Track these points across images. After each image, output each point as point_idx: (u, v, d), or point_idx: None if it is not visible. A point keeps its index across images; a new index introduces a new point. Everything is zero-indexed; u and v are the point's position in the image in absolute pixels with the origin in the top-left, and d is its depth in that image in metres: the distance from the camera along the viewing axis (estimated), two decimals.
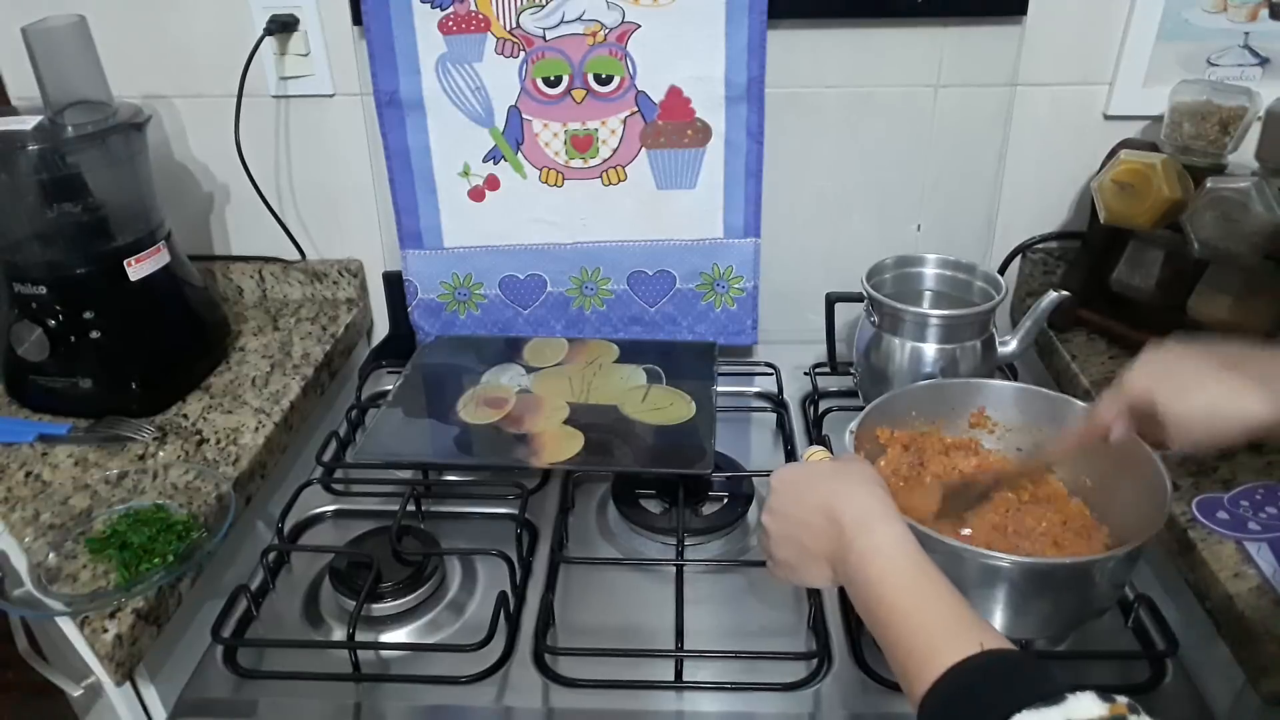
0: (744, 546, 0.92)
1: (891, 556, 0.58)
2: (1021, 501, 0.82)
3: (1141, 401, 0.67)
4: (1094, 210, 1.03)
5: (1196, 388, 0.65)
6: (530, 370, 1.11)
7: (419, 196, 1.12)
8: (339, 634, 0.81)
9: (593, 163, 1.09)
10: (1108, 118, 1.08)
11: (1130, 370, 0.69)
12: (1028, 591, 0.71)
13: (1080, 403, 0.85)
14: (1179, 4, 1.01)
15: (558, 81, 1.05)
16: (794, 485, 0.66)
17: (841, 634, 0.80)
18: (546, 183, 1.11)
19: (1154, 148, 1.00)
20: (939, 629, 0.52)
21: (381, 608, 0.82)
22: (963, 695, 0.48)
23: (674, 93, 1.05)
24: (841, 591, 0.84)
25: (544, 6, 1.02)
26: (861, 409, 0.86)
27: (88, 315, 0.96)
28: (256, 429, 0.97)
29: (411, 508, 0.93)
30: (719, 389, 1.07)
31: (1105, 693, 0.43)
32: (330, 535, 0.96)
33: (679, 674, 0.76)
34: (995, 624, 0.71)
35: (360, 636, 0.78)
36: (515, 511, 0.91)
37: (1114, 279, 1.05)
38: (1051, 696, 0.43)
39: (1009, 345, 1.01)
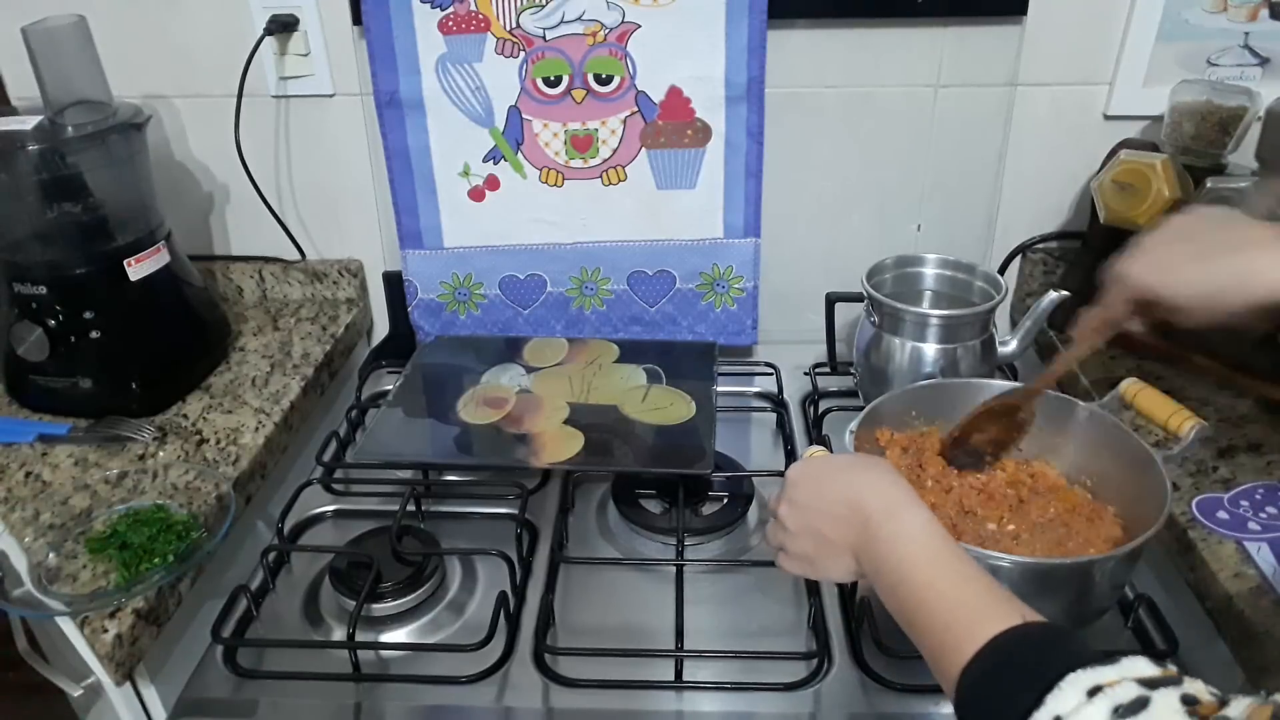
0: (744, 546, 0.92)
1: (921, 540, 0.58)
2: (1021, 497, 0.82)
3: (1140, 297, 0.67)
4: (1094, 210, 1.03)
5: (1197, 268, 0.63)
6: (530, 370, 1.11)
7: (419, 196, 1.12)
8: (339, 634, 0.81)
9: (593, 163, 1.09)
10: (1108, 118, 1.08)
11: (1121, 264, 0.68)
12: (1028, 591, 0.69)
13: (1081, 403, 0.85)
14: (1179, 4, 1.01)
15: (558, 81, 1.05)
16: (813, 478, 0.66)
17: (841, 634, 0.80)
18: (546, 183, 1.11)
19: (1154, 148, 1.00)
20: (978, 603, 0.52)
21: (381, 608, 0.82)
22: (1011, 661, 0.48)
23: (674, 93, 1.05)
24: (841, 591, 0.84)
25: (544, 6, 1.02)
26: (861, 409, 0.86)
27: (88, 315, 0.96)
28: (256, 429, 0.97)
29: (411, 508, 0.93)
30: (719, 389, 1.07)
31: (1156, 658, 0.44)
32: (330, 535, 0.96)
33: (679, 674, 0.76)
34: None
35: (360, 636, 0.78)
36: (515, 511, 0.91)
37: None
38: (1106, 658, 0.44)
39: (1009, 345, 1.01)
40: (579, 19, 1.02)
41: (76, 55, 0.95)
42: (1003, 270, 1.16)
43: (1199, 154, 0.98)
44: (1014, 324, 1.03)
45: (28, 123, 0.93)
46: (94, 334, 0.96)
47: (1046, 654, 0.46)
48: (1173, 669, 0.43)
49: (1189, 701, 0.41)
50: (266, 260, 1.23)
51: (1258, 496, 0.80)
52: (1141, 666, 0.43)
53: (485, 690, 0.77)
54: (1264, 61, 1.04)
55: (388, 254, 1.21)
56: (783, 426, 1.08)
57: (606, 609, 0.85)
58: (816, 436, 1.07)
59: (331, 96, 1.12)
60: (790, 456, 1.04)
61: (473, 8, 1.02)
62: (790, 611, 0.83)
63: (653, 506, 0.95)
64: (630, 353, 1.15)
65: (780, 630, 0.82)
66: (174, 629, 0.80)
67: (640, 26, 1.02)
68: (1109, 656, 0.44)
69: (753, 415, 1.14)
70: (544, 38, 1.03)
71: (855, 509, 0.61)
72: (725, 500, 0.96)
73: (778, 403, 1.12)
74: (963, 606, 0.52)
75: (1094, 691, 0.42)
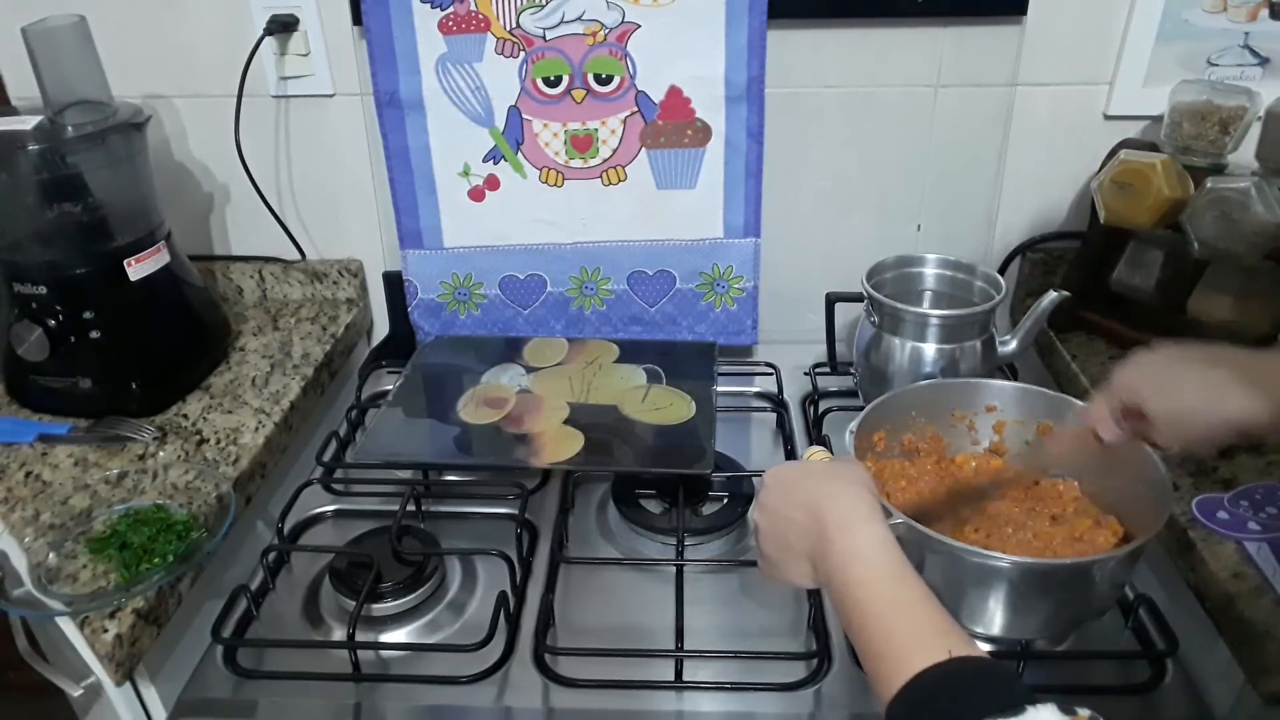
0: (744, 546, 0.92)
1: (870, 560, 0.58)
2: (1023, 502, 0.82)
3: (1128, 402, 0.70)
4: (1094, 210, 1.03)
5: (1178, 388, 0.67)
6: (530, 370, 1.11)
7: (419, 196, 1.12)
8: (339, 634, 0.81)
9: (593, 163, 1.09)
10: (1108, 118, 1.08)
11: (1118, 371, 0.71)
12: (1028, 591, 0.71)
13: (1080, 402, 0.84)
14: (1179, 4, 1.01)
15: (558, 81, 1.05)
16: (784, 482, 0.67)
17: (842, 634, 0.80)
18: (546, 183, 1.11)
19: (1154, 148, 1.00)
20: (910, 634, 0.52)
21: (381, 608, 0.82)
22: (926, 703, 0.48)
23: (674, 93, 1.05)
24: None
25: (544, 6, 1.02)
26: (861, 409, 0.86)
27: (88, 315, 0.96)
28: (256, 429, 0.97)
29: (411, 508, 0.93)
30: (719, 389, 1.07)
31: (1068, 705, 0.44)
32: (330, 535, 0.96)
33: (679, 674, 0.76)
34: (995, 624, 0.72)
35: (360, 636, 0.78)
36: (515, 511, 0.91)
37: (1114, 279, 1.05)
38: (1012, 707, 0.44)
39: (1009, 345, 1.01)
40: (579, 19, 1.02)
41: (76, 55, 0.95)
42: (1003, 270, 1.16)
43: (1199, 154, 0.97)
44: (1014, 324, 1.02)
45: (28, 123, 0.94)
46: (94, 334, 0.96)
47: (958, 700, 0.47)
48: (1084, 715, 0.43)
49: None
50: (266, 260, 1.23)
51: (1258, 496, 0.80)
52: (1045, 718, 0.43)
53: (485, 690, 0.77)
54: (1264, 61, 1.04)
55: (388, 254, 1.21)
56: (783, 426, 1.08)
57: (606, 609, 0.85)
58: (816, 436, 1.07)
59: (331, 96, 1.12)
60: (790, 456, 1.04)
61: (473, 8, 1.02)
62: (790, 611, 0.83)
63: (653, 506, 0.95)
64: (630, 353, 1.15)
65: (780, 630, 0.82)
66: (174, 629, 0.80)
67: (640, 26, 1.02)
68: (1015, 706, 0.44)
69: (753, 415, 1.14)
70: (544, 38, 1.03)
71: (815, 518, 0.62)
72: (725, 500, 0.96)
73: (778, 403, 1.12)
74: (895, 637, 0.53)
75: None
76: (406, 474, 1.00)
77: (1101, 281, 1.07)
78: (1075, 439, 0.75)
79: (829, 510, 0.61)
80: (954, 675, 0.49)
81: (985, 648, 0.78)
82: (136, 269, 0.98)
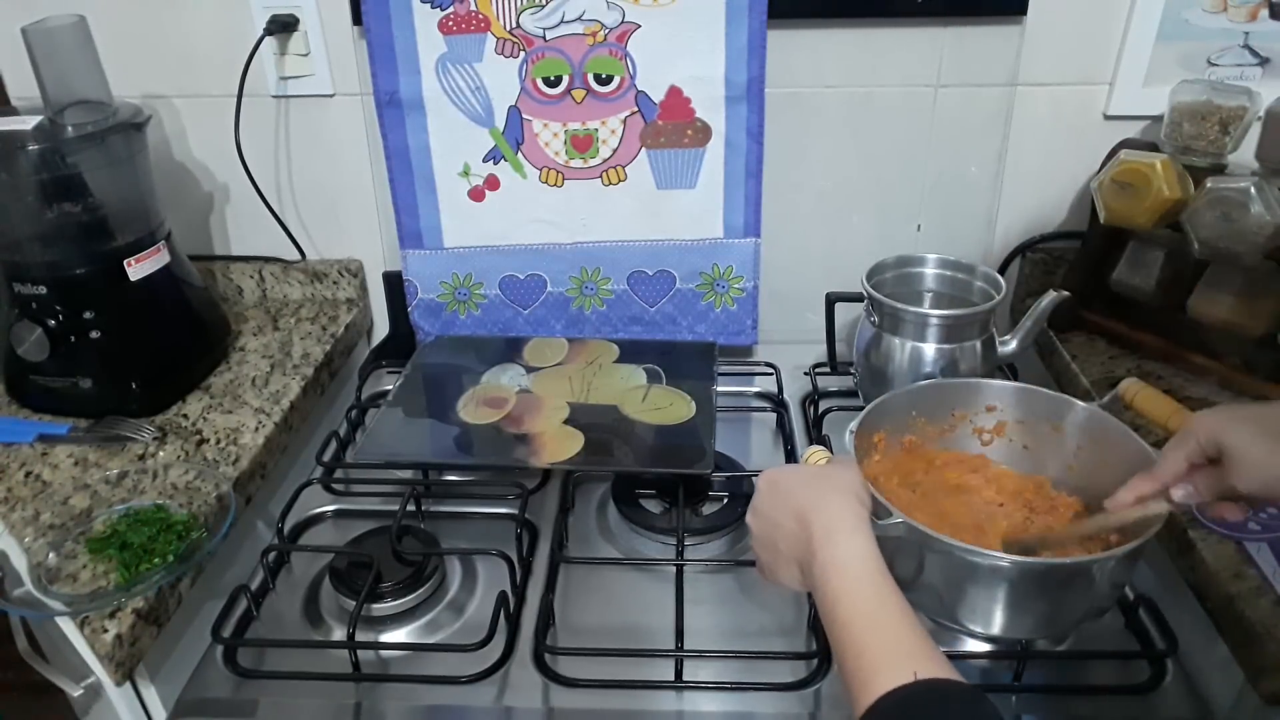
0: (744, 547, 0.92)
1: (849, 573, 0.59)
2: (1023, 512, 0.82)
3: (1209, 443, 0.64)
4: (1094, 210, 1.03)
5: (1262, 426, 0.62)
6: (530, 370, 1.11)
7: (419, 196, 1.12)
8: (339, 634, 0.81)
9: (593, 163, 1.09)
10: (1108, 118, 1.08)
11: (1197, 417, 0.66)
12: (1028, 591, 0.70)
13: (1081, 403, 0.84)
14: (1179, 4, 1.01)
15: (558, 81, 1.05)
16: (775, 487, 0.67)
17: None
18: (546, 183, 1.11)
19: (1154, 148, 1.00)
20: (881, 653, 0.53)
21: (381, 608, 0.82)
22: None
23: (674, 93, 1.05)
24: None
25: (544, 6, 1.02)
26: (861, 409, 0.86)
27: (88, 315, 0.96)
28: (256, 429, 0.97)
29: (411, 508, 0.93)
30: (719, 389, 1.07)
31: None
32: (330, 535, 0.96)
33: (679, 674, 0.76)
34: (995, 624, 0.71)
35: (360, 636, 0.78)
36: (515, 511, 0.91)
37: (1114, 279, 1.05)
38: None
39: (1009, 345, 1.01)
40: (579, 19, 1.02)
41: (76, 55, 0.95)
42: (1003, 270, 1.16)
43: (1199, 154, 0.97)
44: (1014, 324, 1.02)
45: (28, 123, 0.93)
46: (94, 334, 0.96)
47: None
48: None
49: None
50: (266, 260, 1.23)
51: None
52: None
53: (485, 690, 0.77)
54: (1264, 61, 1.04)
55: (388, 254, 1.21)
56: (783, 426, 1.08)
57: (606, 609, 0.85)
58: (816, 436, 1.07)
59: (331, 96, 1.12)
60: (790, 456, 1.04)
61: (473, 8, 1.02)
62: (790, 611, 0.83)
63: (653, 506, 0.95)
64: (630, 353, 1.15)
65: (780, 630, 0.82)
66: (174, 629, 0.80)
67: (640, 26, 1.02)
68: None
69: (753, 415, 1.14)
70: (544, 38, 1.03)
71: (804, 525, 0.63)
72: (725, 500, 0.96)
73: (778, 403, 1.12)
74: (867, 654, 0.53)
75: None
76: (406, 474, 1.00)
77: (1101, 281, 1.07)
78: (1148, 494, 0.68)
79: (816, 518, 0.62)
80: (917, 699, 0.49)
81: (985, 648, 0.79)
82: (136, 269, 0.98)
